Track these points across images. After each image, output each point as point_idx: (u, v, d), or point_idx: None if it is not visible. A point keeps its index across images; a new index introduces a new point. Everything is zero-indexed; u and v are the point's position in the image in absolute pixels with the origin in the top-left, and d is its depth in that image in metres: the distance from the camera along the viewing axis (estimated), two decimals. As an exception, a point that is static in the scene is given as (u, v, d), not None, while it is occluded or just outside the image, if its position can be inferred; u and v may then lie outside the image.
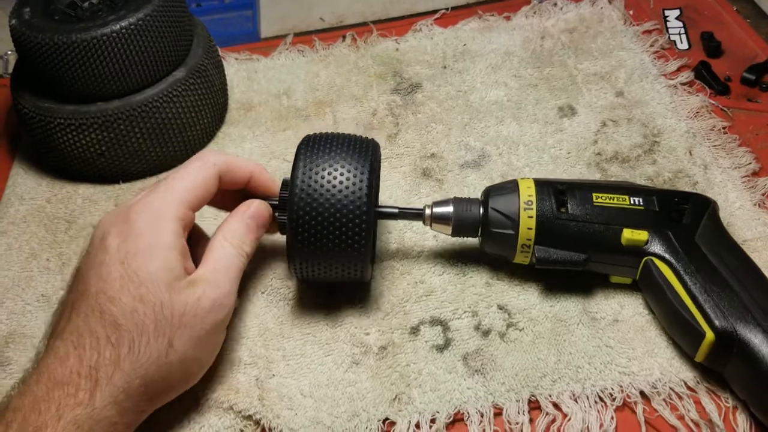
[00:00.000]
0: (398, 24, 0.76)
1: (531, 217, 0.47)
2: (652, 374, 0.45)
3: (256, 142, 0.64)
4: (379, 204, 0.50)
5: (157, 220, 0.41)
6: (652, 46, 0.69)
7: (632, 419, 0.44)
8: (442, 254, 0.53)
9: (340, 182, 0.43)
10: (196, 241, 0.46)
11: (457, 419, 0.44)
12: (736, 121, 0.62)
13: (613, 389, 0.44)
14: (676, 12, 0.74)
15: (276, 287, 0.52)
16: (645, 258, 0.46)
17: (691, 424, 0.43)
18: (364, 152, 0.45)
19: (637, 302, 0.49)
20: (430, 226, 0.49)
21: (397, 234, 0.55)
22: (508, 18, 0.75)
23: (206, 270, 0.42)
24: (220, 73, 0.66)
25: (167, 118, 0.59)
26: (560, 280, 0.50)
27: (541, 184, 0.48)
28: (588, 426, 0.43)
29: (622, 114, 0.63)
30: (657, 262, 0.46)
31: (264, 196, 0.48)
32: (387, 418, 0.44)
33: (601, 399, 0.44)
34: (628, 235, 0.46)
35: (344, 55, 0.72)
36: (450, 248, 0.54)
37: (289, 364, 0.47)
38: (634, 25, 0.72)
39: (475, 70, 0.69)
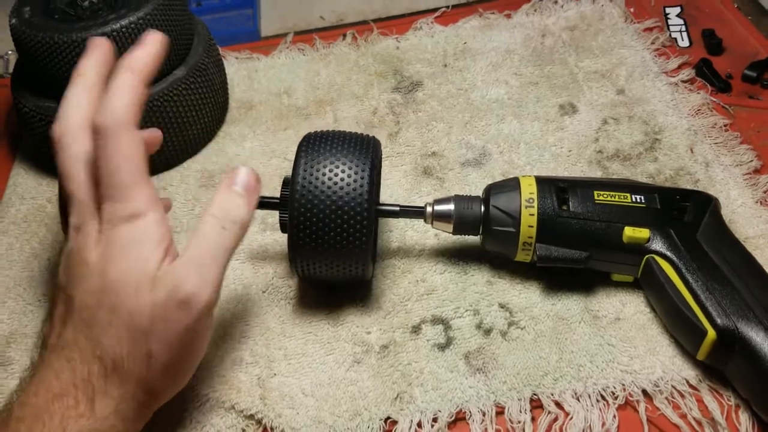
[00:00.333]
0: (399, 22, 0.76)
1: (532, 214, 0.47)
2: (654, 372, 0.45)
3: (257, 141, 0.64)
4: (380, 202, 0.50)
5: None
6: (653, 43, 0.69)
7: (634, 418, 0.44)
8: (443, 252, 0.53)
9: (341, 180, 0.43)
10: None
11: (459, 418, 0.44)
12: (738, 119, 0.62)
13: (615, 388, 0.44)
14: (677, 9, 0.74)
15: (277, 286, 0.52)
16: (646, 256, 0.46)
17: (694, 423, 0.43)
18: (365, 150, 0.45)
19: (638, 300, 0.49)
20: (431, 224, 0.49)
21: (398, 232, 0.55)
22: (508, 16, 0.75)
23: (182, 259, 0.37)
24: (221, 72, 0.66)
25: (167, 117, 0.59)
26: (562, 278, 0.50)
27: (543, 182, 0.48)
28: (590, 425, 0.43)
29: (623, 112, 0.63)
30: (658, 259, 0.46)
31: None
32: (389, 417, 0.44)
33: (603, 397, 0.44)
34: (630, 232, 0.46)
35: (345, 54, 0.72)
36: (451, 246, 0.54)
37: (290, 363, 0.47)
38: (635, 23, 0.72)
39: (476, 68, 0.69)
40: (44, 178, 0.63)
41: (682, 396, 0.44)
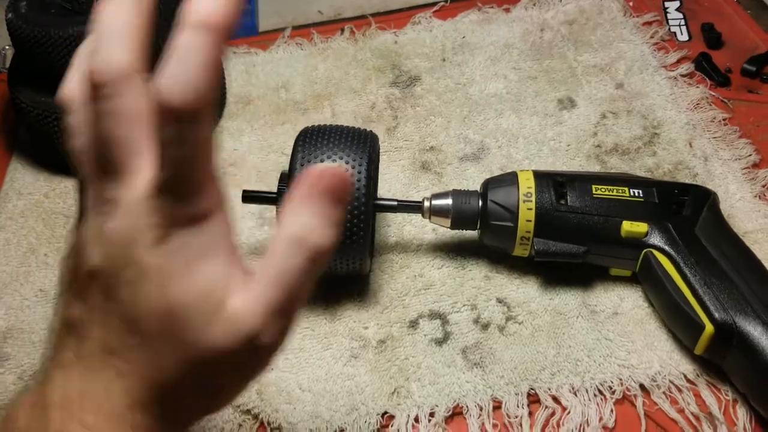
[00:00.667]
0: (397, 16, 0.76)
1: (530, 209, 0.47)
2: (652, 367, 0.45)
3: (255, 136, 0.64)
4: (378, 197, 0.50)
5: None
6: (652, 37, 0.69)
7: (632, 412, 0.44)
8: (441, 247, 0.53)
9: (338, 175, 0.43)
10: None
11: (456, 413, 0.44)
12: (737, 113, 0.62)
13: (612, 382, 0.44)
14: (676, 3, 0.74)
15: (274, 281, 0.52)
16: (645, 250, 0.46)
17: (691, 417, 0.43)
18: (363, 144, 0.45)
19: (636, 295, 0.49)
20: (429, 218, 0.49)
21: (396, 227, 0.55)
22: (507, 10, 0.74)
23: (248, 290, 0.27)
24: (218, 67, 0.66)
25: (165, 112, 0.59)
26: (559, 272, 0.50)
27: (541, 176, 0.48)
28: (587, 419, 0.43)
29: (621, 106, 0.63)
30: (657, 254, 0.46)
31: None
32: (386, 412, 0.44)
33: (600, 392, 0.44)
34: (628, 227, 0.46)
35: (343, 48, 0.72)
36: (449, 241, 0.54)
37: (287, 359, 0.47)
38: (634, 17, 0.72)
39: (475, 62, 0.69)
40: (41, 173, 0.62)
41: (680, 391, 0.44)
